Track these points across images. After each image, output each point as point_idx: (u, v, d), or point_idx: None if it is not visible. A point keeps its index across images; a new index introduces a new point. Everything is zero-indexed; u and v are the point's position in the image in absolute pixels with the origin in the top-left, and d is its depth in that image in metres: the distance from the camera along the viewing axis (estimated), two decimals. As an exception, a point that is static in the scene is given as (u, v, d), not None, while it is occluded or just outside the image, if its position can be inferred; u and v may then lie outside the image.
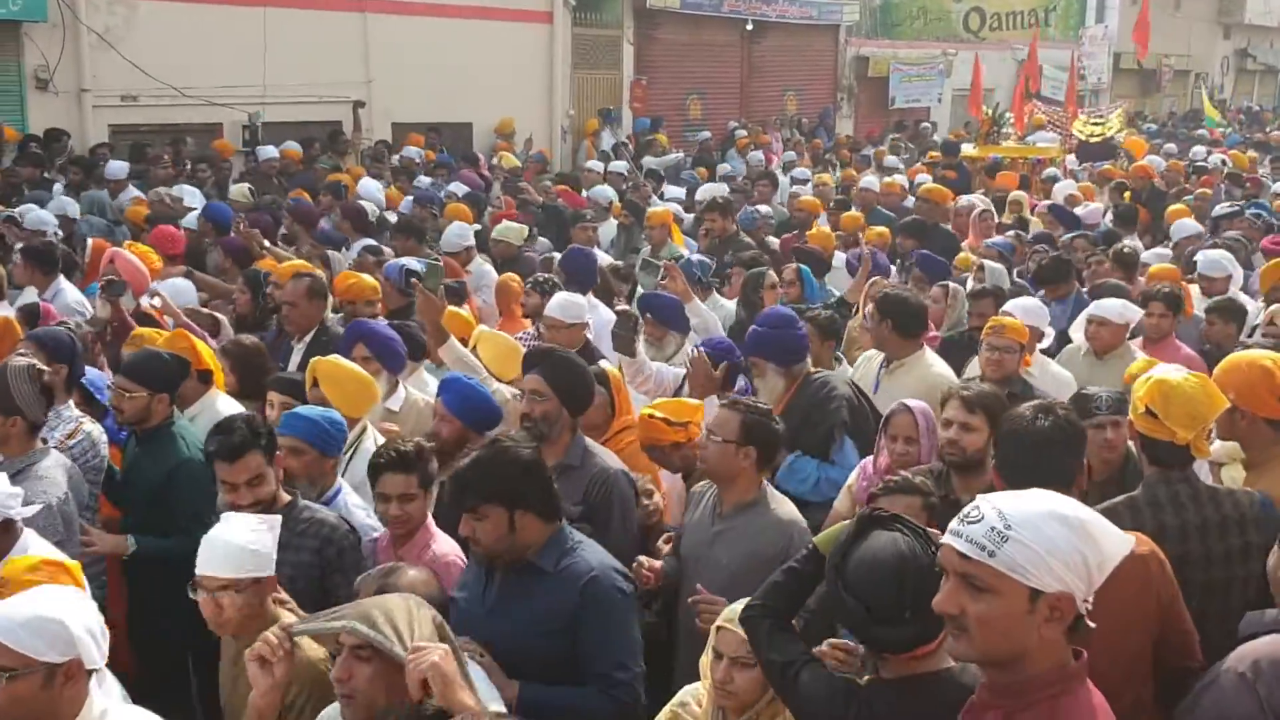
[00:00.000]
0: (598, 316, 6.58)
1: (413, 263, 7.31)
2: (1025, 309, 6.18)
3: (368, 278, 6.85)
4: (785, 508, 4.00)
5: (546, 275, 7.40)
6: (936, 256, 8.34)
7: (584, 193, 12.48)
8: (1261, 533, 3.51)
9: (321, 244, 9.03)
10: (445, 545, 3.89)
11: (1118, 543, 2.25)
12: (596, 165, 15.01)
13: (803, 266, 7.78)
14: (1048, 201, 12.17)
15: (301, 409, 4.42)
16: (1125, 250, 8.74)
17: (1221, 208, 11.51)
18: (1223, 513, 3.54)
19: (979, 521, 2.21)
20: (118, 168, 11.63)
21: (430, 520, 3.96)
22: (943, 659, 2.64)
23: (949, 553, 2.26)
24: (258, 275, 7.28)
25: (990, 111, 17.51)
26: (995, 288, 7.04)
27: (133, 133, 13.63)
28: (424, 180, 12.95)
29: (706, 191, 11.59)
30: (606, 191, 11.94)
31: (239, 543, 3.19)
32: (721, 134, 19.77)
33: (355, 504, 4.27)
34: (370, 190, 11.20)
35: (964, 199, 11.54)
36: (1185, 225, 10.20)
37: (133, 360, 4.81)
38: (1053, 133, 17.57)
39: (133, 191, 11.14)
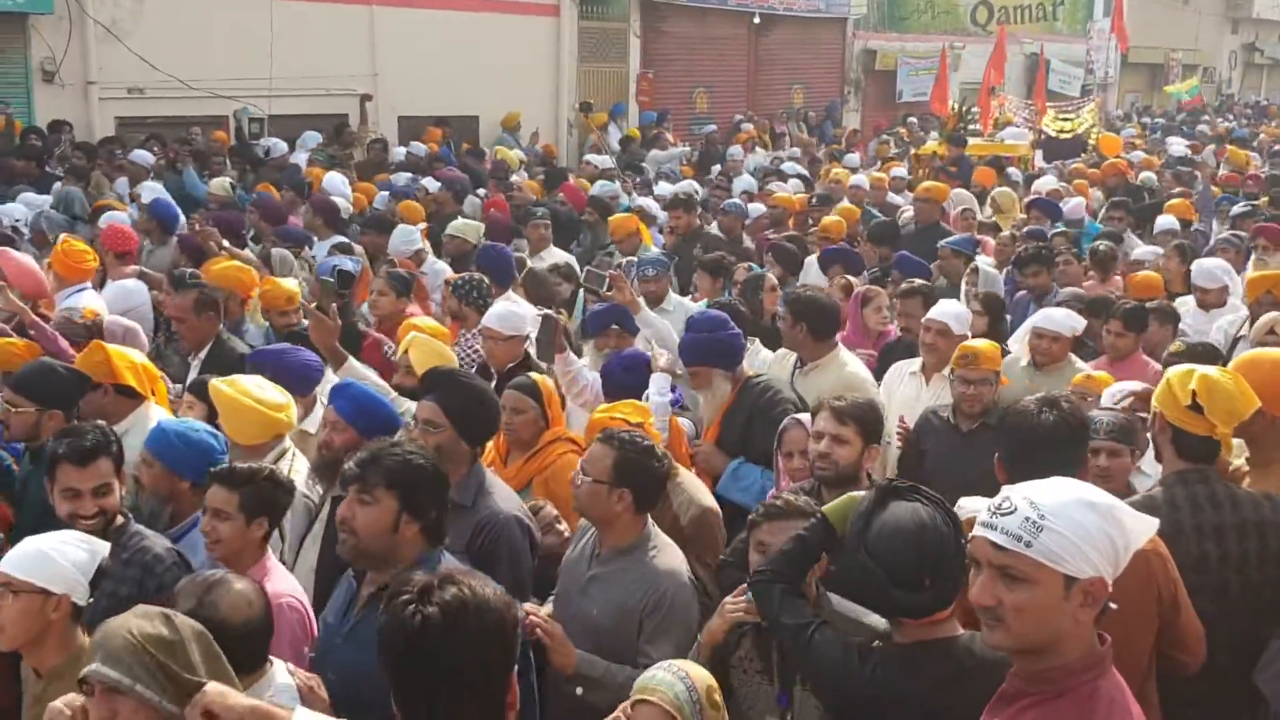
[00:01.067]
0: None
1: (346, 262, 6.97)
2: (955, 316, 5.77)
3: (286, 283, 6.49)
4: (664, 556, 3.55)
5: (472, 276, 6.71)
6: (915, 258, 8.04)
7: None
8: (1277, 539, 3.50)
9: (284, 241, 8.58)
10: (282, 584, 3.49)
11: (1142, 524, 2.31)
12: (599, 159, 14.80)
13: (753, 265, 7.50)
14: (1032, 195, 11.94)
15: (167, 421, 4.18)
16: (1101, 248, 8.50)
17: (1239, 207, 11.29)
18: (1242, 516, 3.51)
19: (1012, 513, 2.24)
20: (142, 156, 11.59)
21: (269, 556, 3.58)
22: (954, 625, 2.77)
23: (982, 545, 2.27)
24: (183, 277, 6.74)
25: (956, 107, 16.96)
26: (923, 286, 6.70)
27: (139, 125, 13.61)
28: (402, 176, 12.58)
29: (669, 189, 11.32)
30: (609, 187, 11.56)
31: (42, 547, 2.92)
32: (728, 127, 19.70)
33: None
34: (336, 185, 10.78)
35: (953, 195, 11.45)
36: (1162, 222, 10.16)
37: (22, 373, 4.50)
38: (1024, 128, 17.10)
39: (152, 184, 10.76)
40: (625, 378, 4.97)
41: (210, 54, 13.58)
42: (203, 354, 5.77)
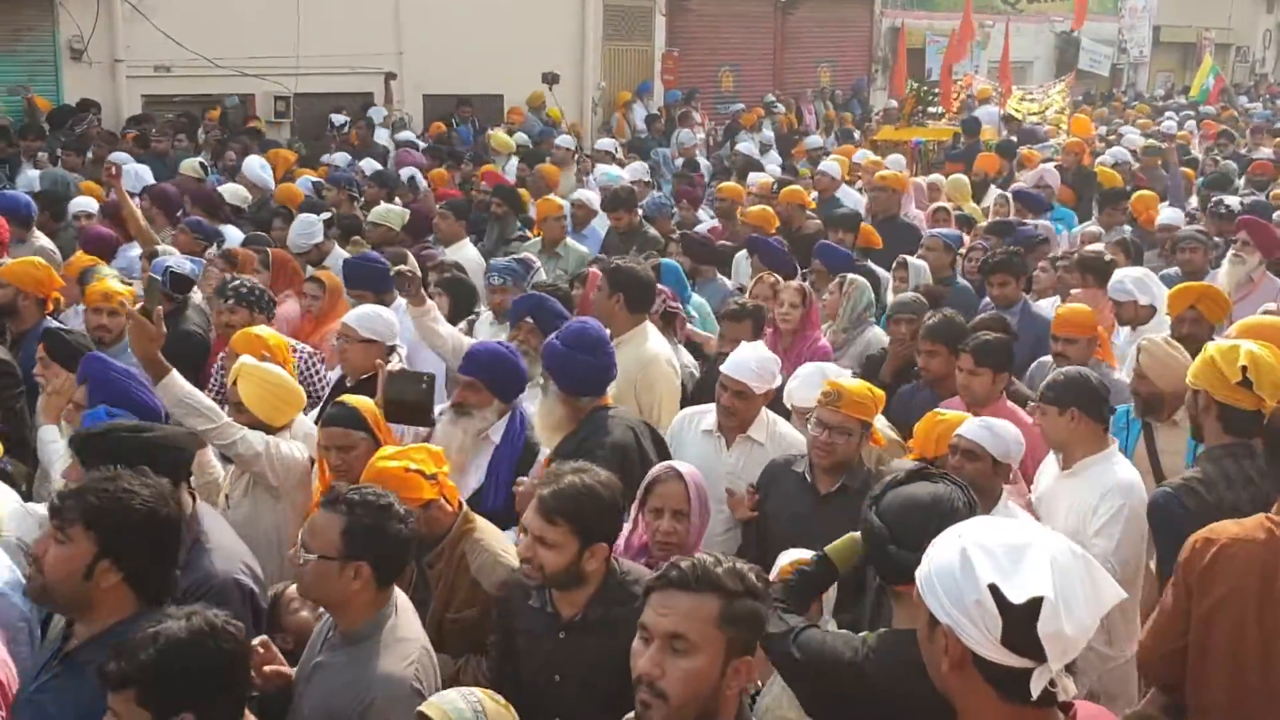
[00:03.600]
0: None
1: (184, 262, 6.35)
2: (758, 371, 4.53)
3: (114, 282, 5.81)
4: (389, 655, 2.91)
5: (245, 280, 5.95)
6: (837, 247, 7.45)
7: (590, 176, 11.70)
8: None
9: (191, 234, 7.57)
10: None
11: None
12: (608, 144, 13.95)
13: (666, 261, 6.93)
14: (1016, 186, 10.94)
15: None
16: (1090, 256, 7.28)
17: (1233, 198, 10.02)
18: None
19: None
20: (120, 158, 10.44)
21: None
22: None
23: None
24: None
25: (915, 88, 15.68)
26: (755, 307, 5.93)
27: (166, 103, 13.68)
28: (341, 158, 11.98)
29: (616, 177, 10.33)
30: (613, 173, 10.49)
31: None
32: (754, 106, 19.57)
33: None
34: (254, 170, 9.87)
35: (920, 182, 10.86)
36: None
37: None
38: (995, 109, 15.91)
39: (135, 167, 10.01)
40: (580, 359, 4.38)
41: (236, 32, 13.62)
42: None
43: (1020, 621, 1.87)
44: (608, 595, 3.10)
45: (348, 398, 4.21)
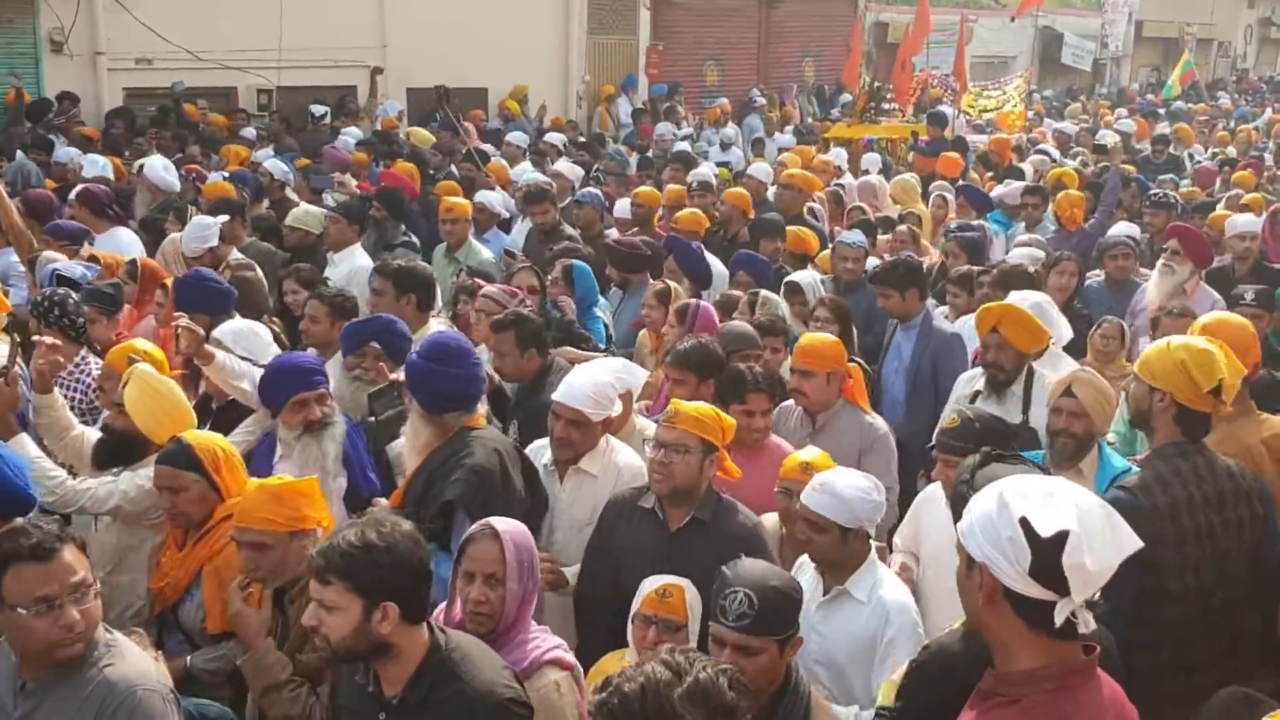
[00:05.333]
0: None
1: (74, 267, 5.97)
2: (593, 397, 4.11)
3: None
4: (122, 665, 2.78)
5: (55, 292, 5.38)
6: (757, 256, 7.09)
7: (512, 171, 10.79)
8: (1261, 505, 3.63)
9: (55, 239, 7.02)
10: None
11: None
12: (557, 139, 13.37)
13: (575, 263, 6.55)
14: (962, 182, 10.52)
15: None
16: (1010, 268, 6.57)
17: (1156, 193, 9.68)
18: (1235, 484, 3.61)
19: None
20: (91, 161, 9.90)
21: None
22: None
23: None
24: None
25: (867, 84, 14.94)
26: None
27: (147, 96, 13.58)
28: (264, 153, 11.34)
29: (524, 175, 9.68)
30: (576, 170, 9.72)
31: None
32: (739, 100, 19.57)
33: None
34: (157, 172, 9.00)
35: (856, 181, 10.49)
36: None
37: None
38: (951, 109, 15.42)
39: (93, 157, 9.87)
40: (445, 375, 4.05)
41: (218, 25, 13.53)
42: None
43: (1048, 554, 2.07)
44: (430, 673, 2.79)
45: (190, 434, 3.85)
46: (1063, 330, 5.56)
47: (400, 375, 4.42)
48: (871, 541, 3.64)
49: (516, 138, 13.16)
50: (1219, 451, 3.74)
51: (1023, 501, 2.13)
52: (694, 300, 5.92)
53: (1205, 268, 7.02)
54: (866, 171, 11.48)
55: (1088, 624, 2.14)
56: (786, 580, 3.11)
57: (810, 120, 19.00)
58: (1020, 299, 5.43)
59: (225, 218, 7.29)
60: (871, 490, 3.54)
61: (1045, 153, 13.00)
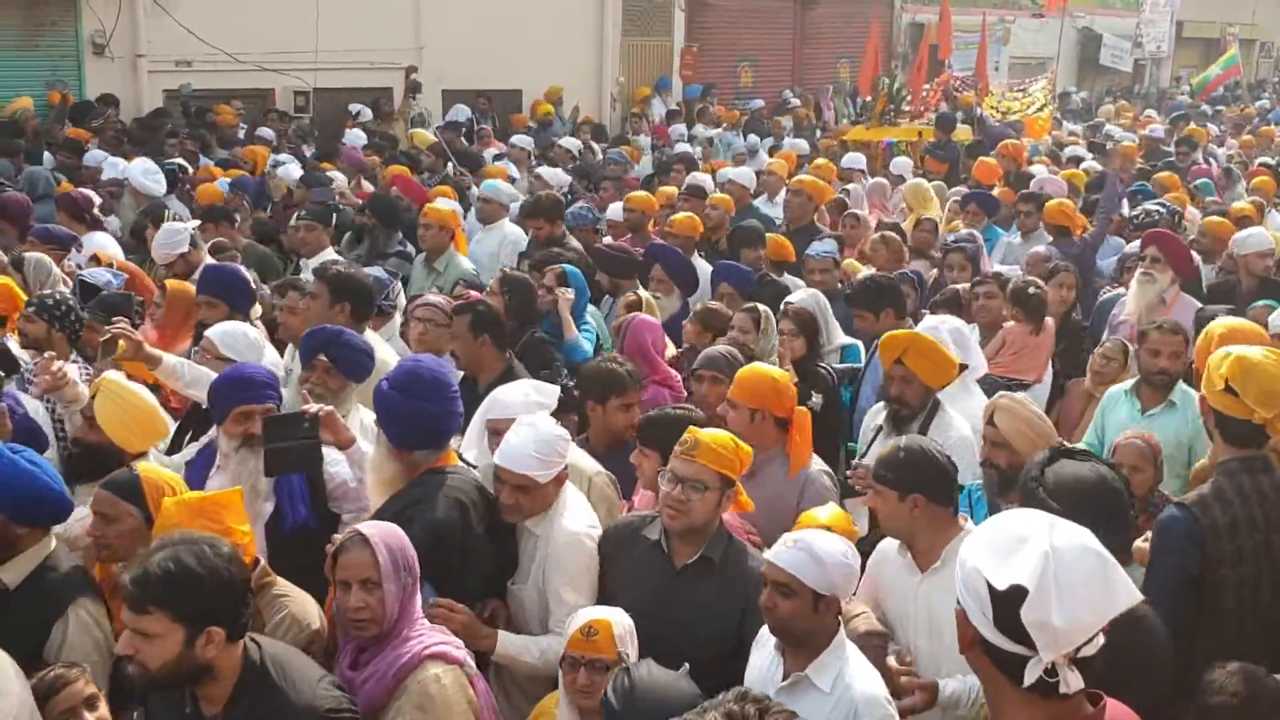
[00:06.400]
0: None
1: (100, 274, 5.83)
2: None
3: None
4: None
5: (65, 295, 5.39)
6: (738, 265, 6.77)
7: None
8: None
9: (43, 243, 6.86)
10: None
11: None
12: (572, 144, 13.16)
13: (566, 266, 6.31)
14: (964, 189, 10.00)
15: None
16: (1019, 287, 6.21)
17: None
18: None
19: None
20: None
21: None
22: None
23: None
24: None
25: (888, 85, 14.57)
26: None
27: (191, 97, 13.72)
28: (283, 158, 11.18)
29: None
30: (495, 184, 8.66)
31: None
32: (773, 102, 19.53)
33: None
34: (136, 177, 8.78)
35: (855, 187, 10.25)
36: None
37: None
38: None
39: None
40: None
41: (256, 27, 13.67)
42: None
43: (1007, 607, 1.92)
44: (249, 691, 2.75)
45: (144, 465, 3.64)
46: (978, 360, 5.12)
47: (314, 407, 4.01)
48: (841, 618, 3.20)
49: (521, 140, 12.99)
50: None
51: (984, 549, 1.97)
52: (624, 321, 5.55)
53: (1186, 276, 6.67)
54: (899, 176, 11.20)
55: (1067, 683, 1.94)
56: None
57: (844, 121, 18.91)
58: (935, 325, 5.02)
59: (197, 223, 7.22)
60: (849, 553, 3.12)
61: (1057, 157, 12.55)
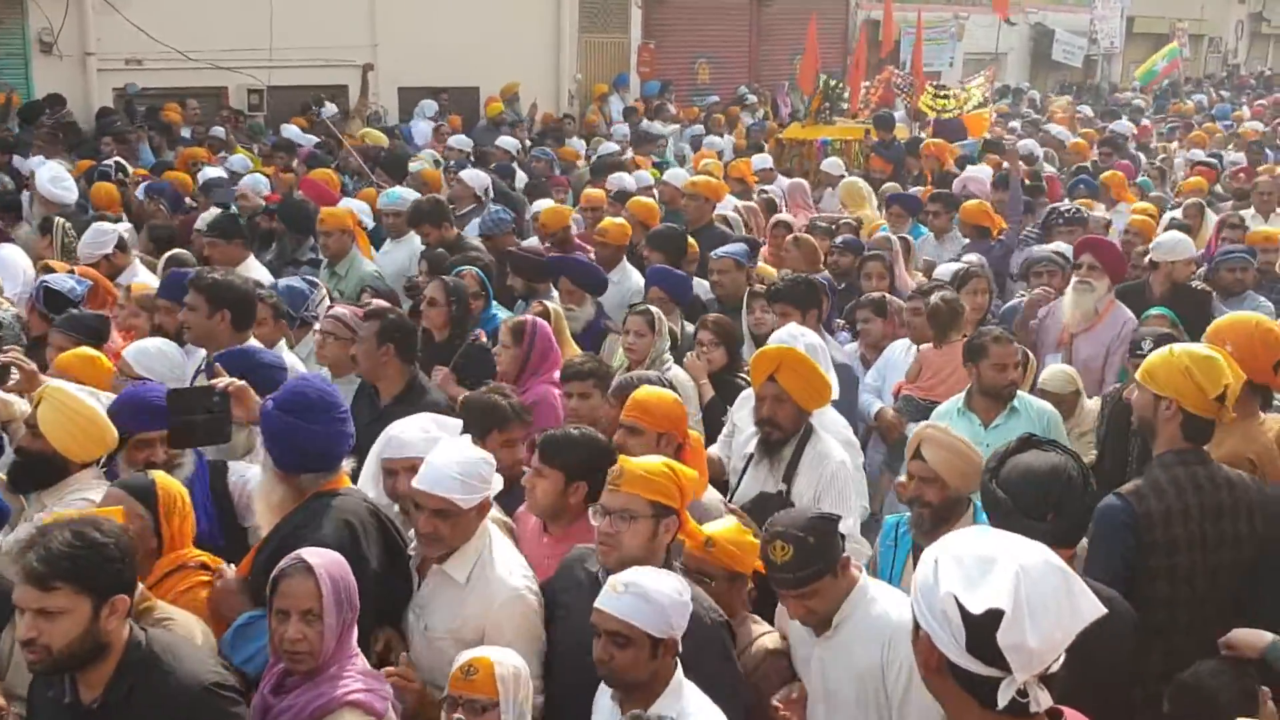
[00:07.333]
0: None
1: (64, 280, 5.68)
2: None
3: None
4: None
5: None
6: (673, 270, 6.49)
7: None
8: (1265, 521, 3.57)
9: None
10: None
11: None
12: (510, 144, 12.59)
13: (477, 271, 6.12)
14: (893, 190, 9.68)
15: None
16: (938, 302, 5.65)
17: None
18: (1234, 496, 3.57)
19: None
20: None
21: None
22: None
23: None
24: None
25: (824, 84, 14.22)
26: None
27: (138, 97, 13.55)
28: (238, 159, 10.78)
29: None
30: (395, 194, 8.18)
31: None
32: (729, 98, 19.58)
33: None
34: (43, 184, 8.23)
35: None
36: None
37: None
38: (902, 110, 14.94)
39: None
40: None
41: (209, 24, 13.51)
42: None
43: (981, 631, 1.89)
44: (131, 671, 2.71)
45: (157, 474, 3.53)
46: (832, 382, 4.52)
47: (224, 381, 3.92)
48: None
49: (459, 141, 12.71)
50: (1235, 456, 3.73)
51: (955, 572, 1.95)
52: (530, 318, 5.31)
53: (1120, 282, 6.46)
54: (832, 176, 11.13)
55: (1038, 701, 1.95)
56: None
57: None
58: (795, 336, 4.59)
59: (127, 226, 6.96)
60: (682, 589, 2.94)
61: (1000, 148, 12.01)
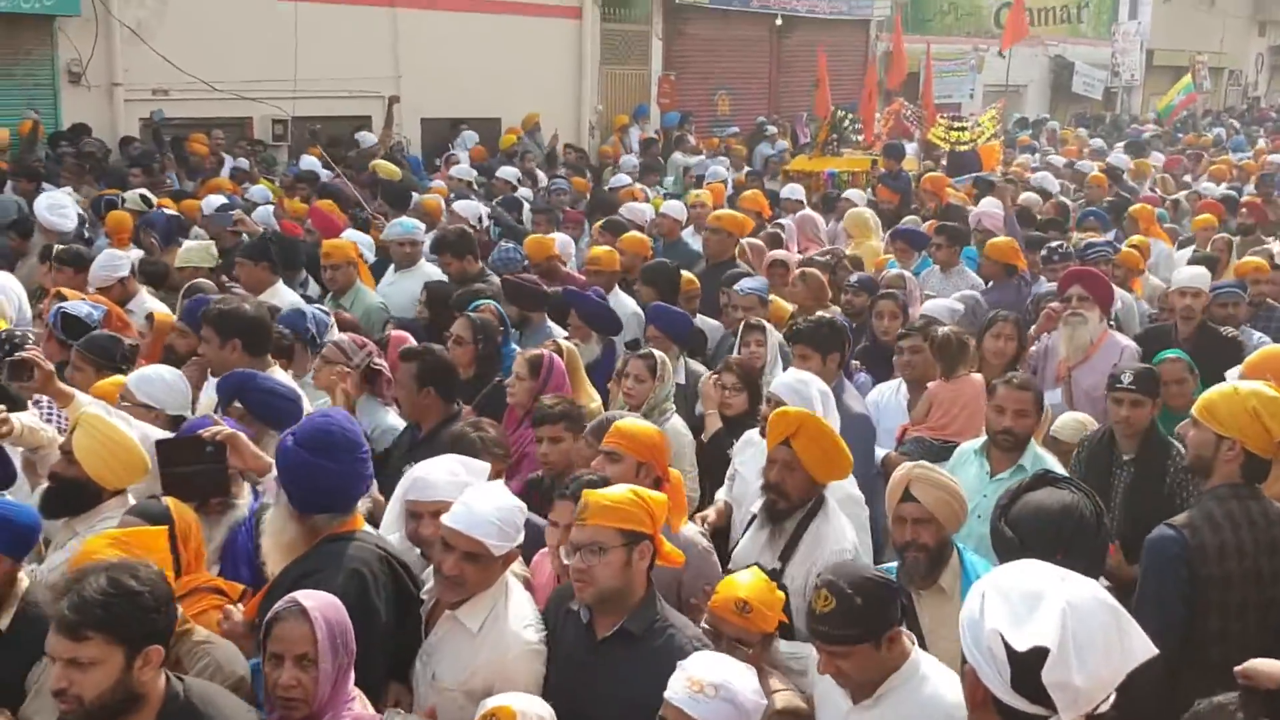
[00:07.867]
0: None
1: (80, 305, 5.71)
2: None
3: None
4: None
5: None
6: (672, 309, 6.22)
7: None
8: None
9: None
10: None
11: None
12: (510, 173, 12.76)
13: (490, 302, 6.12)
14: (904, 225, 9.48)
15: None
16: (944, 336, 5.43)
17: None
18: None
19: None
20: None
21: None
22: None
23: None
24: None
25: (835, 114, 14.19)
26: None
27: (164, 126, 13.68)
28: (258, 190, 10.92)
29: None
30: (408, 224, 8.06)
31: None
32: (750, 129, 19.65)
33: None
34: (41, 212, 8.37)
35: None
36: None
37: None
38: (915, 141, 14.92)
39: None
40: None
41: (234, 55, 13.62)
42: None
43: (1026, 669, 1.87)
44: None
45: (170, 500, 3.54)
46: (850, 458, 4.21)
47: (213, 429, 3.84)
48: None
49: (462, 171, 12.66)
50: None
51: (1001, 608, 1.90)
52: (547, 352, 5.17)
53: (1108, 310, 6.33)
54: (800, 203, 11.05)
55: None
56: None
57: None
58: (800, 384, 4.36)
59: (139, 252, 6.95)
60: (758, 688, 2.85)
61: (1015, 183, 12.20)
